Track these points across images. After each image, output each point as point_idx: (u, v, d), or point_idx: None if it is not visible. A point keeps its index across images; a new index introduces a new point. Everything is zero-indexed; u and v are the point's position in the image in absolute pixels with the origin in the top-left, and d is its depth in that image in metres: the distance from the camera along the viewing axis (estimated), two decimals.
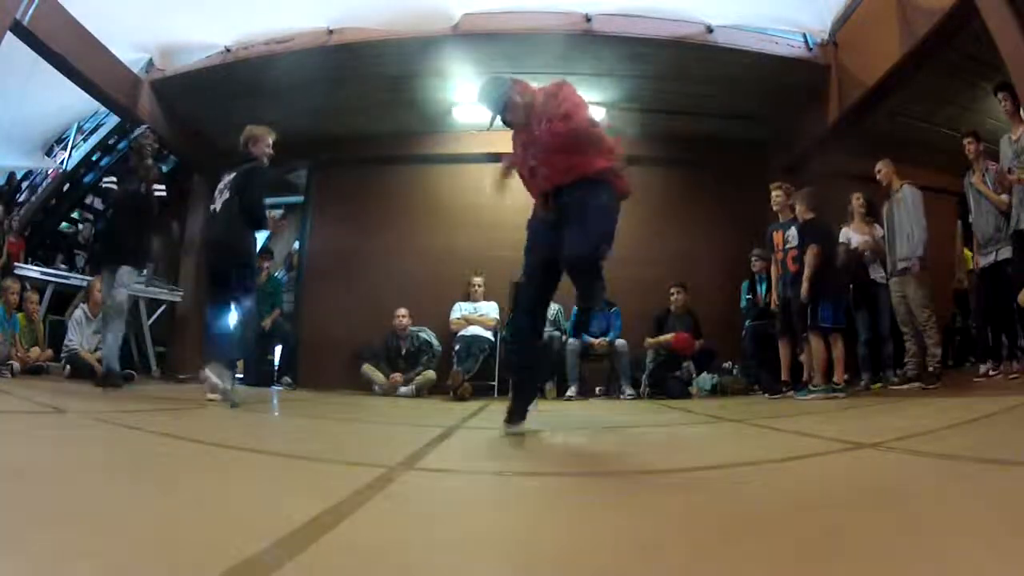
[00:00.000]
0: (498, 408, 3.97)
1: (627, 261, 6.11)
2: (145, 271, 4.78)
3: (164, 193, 4.32)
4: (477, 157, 5.99)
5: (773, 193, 4.62)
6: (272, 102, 6.06)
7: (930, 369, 4.14)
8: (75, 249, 7.84)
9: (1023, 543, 0.79)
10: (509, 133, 2.72)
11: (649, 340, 5.48)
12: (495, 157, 2.84)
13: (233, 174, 3.68)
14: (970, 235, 4.55)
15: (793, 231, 4.45)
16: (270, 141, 3.91)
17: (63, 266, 6.91)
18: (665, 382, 5.28)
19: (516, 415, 2.30)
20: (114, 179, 4.29)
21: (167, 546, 0.76)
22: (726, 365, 5.72)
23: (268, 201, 4.05)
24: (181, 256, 7.05)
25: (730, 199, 6.38)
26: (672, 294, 5.62)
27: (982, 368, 4.29)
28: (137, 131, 4.51)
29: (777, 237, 4.58)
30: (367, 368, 5.63)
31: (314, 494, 1.13)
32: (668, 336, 5.39)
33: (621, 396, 5.27)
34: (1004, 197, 3.92)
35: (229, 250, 3.58)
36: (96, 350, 5.19)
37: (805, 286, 4.11)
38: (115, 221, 4.31)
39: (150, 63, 5.94)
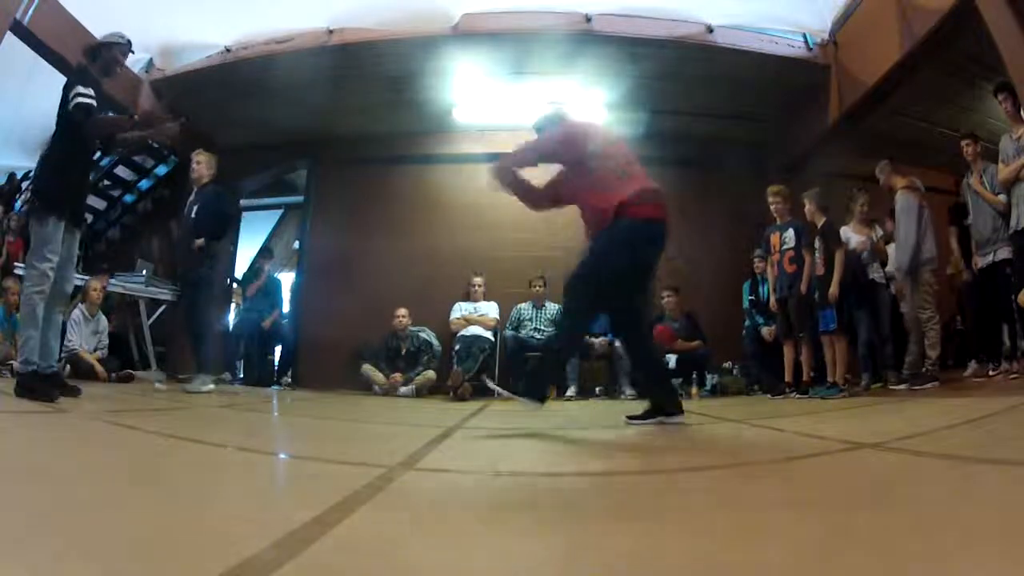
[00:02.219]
0: (498, 408, 3.97)
1: None
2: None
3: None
4: (477, 157, 6.00)
5: (773, 197, 4.62)
6: (272, 102, 6.07)
7: (923, 370, 4.14)
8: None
9: (1023, 543, 0.78)
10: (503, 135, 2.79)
11: None
12: (495, 157, 2.81)
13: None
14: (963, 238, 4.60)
15: (791, 232, 4.47)
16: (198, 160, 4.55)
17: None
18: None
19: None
20: (92, 93, 2.98)
21: (166, 546, 0.76)
22: (726, 365, 5.72)
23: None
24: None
25: (730, 199, 6.37)
26: (663, 298, 5.61)
27: (970, 369, 4.32)
28: (107, 35, 3.30)
29: (774, 239, 4.60)
30: (367, 368, 5.63)
31: (314, 494, 1.13)
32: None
33: (621, 396, 5.27)
34: (1002, 198, 3.93)
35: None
36: (96, 350, 5.20)
37: (835, 289, 4.13)
38: (80, 157, 3.10)
39: (150, 63, 5.94)
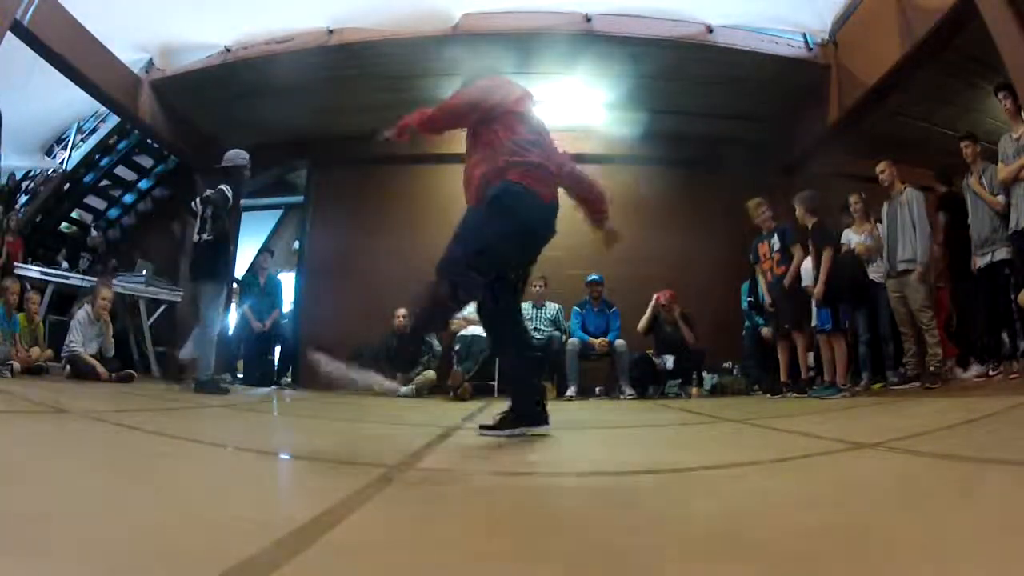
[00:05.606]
0: (498, 409, 3.97)
1: (626, 260, 6.12)
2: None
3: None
4: None
5: (755, 210, 4.68)
6: (272, 102, 6.07)
7: (931, 369, 4.14)
8: (81, 251, 7.78)
9: (1023, 543, 0.79)
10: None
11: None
12: None
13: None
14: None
15: (775, 238, 4.53)
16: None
17: (65, 264, 6.89)
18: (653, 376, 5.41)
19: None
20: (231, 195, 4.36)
21: (166, 546, 0.76)
22: (726, 365, 5.72)
23: None
24: (181, 256, 7.06)
25: (730, 199, 6.37)
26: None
27: (973, 370, 4.30)
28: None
29: (763, 248, 4.66)
30: None
31: (314, 494, 1.13)
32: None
33: (621, 396, 5.27)
34: (1000, 198, 3.93)
35: None
36: (99, 351, 5.18)
37: (820, 288, 4.13)
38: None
39: (150, 63, 5.95)
